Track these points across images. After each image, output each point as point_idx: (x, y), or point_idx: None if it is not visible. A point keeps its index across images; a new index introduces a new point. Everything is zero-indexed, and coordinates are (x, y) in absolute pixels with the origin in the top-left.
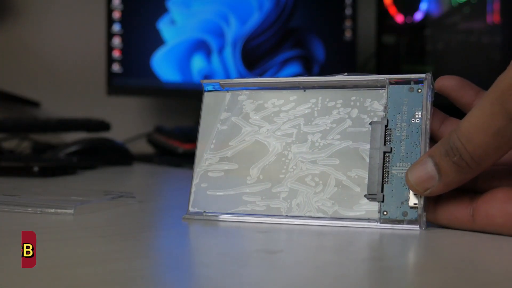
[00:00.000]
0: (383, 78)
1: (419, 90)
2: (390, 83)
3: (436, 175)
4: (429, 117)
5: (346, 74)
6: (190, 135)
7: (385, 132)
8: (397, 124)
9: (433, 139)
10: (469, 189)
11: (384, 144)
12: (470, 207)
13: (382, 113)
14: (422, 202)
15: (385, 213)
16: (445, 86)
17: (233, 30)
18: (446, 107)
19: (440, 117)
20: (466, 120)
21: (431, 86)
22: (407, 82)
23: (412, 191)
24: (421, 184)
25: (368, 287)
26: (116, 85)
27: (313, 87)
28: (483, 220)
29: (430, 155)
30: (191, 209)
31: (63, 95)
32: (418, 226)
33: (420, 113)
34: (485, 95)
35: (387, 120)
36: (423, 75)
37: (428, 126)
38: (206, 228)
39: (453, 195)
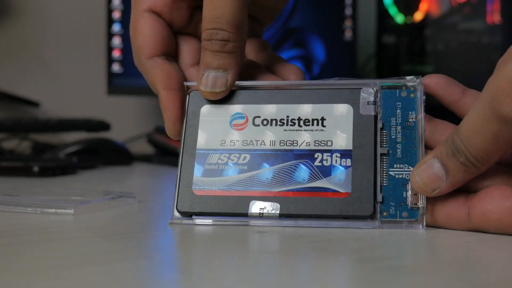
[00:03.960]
0: (375, 82)
1: (412, 95)
2: (382, 88)
3: (444, 175)
4: (423, 118)
5: (336, 78)
6: None
7: (381, 135)
8: (391, 127)
9: None
10: (462, 188)
11: (381, 147)
12: (465, 206)
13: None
14: (422, 202)
15: (384, 213)
16: (431, 84)
17: None
18: (440, 107)
19: (425, 118)
20: (465, 123)
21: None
22: (399, 86)
23: (419, 192)
24: (429, 185)
25: (368, 287)
26: (116, 85)
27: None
28: (479, 217)
29: (436, 156)
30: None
31: (63, 95)
32: (418, 226)
33: (414, 116)
34: (478, 98)
35: (382, 123)
36: (416, 80)
37: (423, 128)
38: (206, 228)
39: (448, 195)
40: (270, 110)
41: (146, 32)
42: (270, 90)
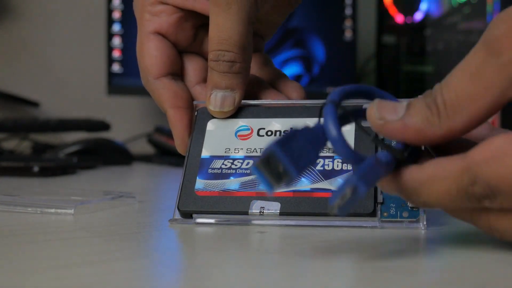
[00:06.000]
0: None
1: None
2: None
3: (403, 110)
4: None
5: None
6: None
7: None
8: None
9: None
10: None
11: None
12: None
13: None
14: None
15: (385, 214)
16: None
17: None
18: None
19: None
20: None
21: None
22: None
23: (369, 119)
24: (380, 110)
25: (368, 287)
26: (116, 85)
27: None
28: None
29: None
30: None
31: (63, 95)
32: (418, 226)
33: None
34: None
35: None
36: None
37: None
38: (206, 227)
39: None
40: (274, 124)
41: (152, 54)
42: (275, 107)
